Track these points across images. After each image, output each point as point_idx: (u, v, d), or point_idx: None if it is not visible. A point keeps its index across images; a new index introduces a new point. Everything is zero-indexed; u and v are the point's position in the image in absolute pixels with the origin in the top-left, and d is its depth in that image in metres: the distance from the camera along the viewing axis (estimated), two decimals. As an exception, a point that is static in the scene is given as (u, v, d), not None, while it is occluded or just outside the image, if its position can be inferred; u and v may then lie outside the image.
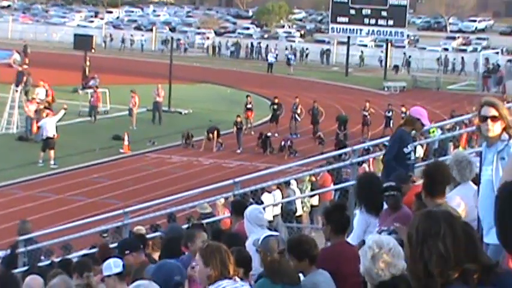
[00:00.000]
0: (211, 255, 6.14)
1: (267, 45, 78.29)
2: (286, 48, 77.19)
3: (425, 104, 51.69)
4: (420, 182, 8.56)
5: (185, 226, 12.32)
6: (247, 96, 41.84)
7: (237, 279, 6.46)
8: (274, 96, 42.00)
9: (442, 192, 7.36)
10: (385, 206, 8.46)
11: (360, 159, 15.49)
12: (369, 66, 75.50)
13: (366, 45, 79.50)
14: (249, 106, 40.15)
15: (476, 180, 7.83)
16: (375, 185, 8.81)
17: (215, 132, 35.27)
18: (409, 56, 72.83)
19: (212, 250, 6.18)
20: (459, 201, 7.26)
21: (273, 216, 19.07)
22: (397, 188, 8.37)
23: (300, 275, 7.03)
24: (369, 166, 22.60)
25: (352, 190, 13.23)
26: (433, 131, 27.01)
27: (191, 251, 8.54)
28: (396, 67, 71.35)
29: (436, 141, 26.91)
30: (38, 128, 32.95)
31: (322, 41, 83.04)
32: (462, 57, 72.63)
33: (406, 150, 10.21)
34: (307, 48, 79.88)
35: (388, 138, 22.42)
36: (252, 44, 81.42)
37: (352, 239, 8.45)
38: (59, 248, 15.32)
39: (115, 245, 13.10)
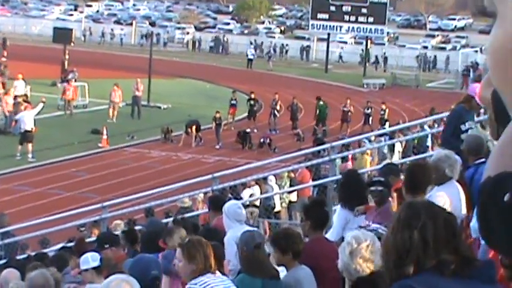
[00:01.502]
0: (195, 249, 6.12)
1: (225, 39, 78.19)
2: (251, 43, 77.31)
3: (404, 101, 52.00)
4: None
5: (164, 220, 12.32)
6: (233, 92, 41.77)
7: (218, 273, 6.47)
8: (250, 91, 41.94)
9: (423, 190, 7.41)
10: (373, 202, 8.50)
11: (339, 155, 15.53)
12: (349, 63, 75.72)
13: (345, 42, 79.68)
14: (233, 102, 40.13)
15: (461, 180, 7.86)
16: (358, 182, 8.85)
17: (193, 127, 35.18)
18: (384, 53, 72.96)
19: (195, 245, 6.16)
20: (443, 198, 7.29)
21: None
22: (384, 183, 8.39)
23: (280, 269, 7.04)
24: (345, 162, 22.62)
25: (330, 186, 13.29)
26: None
27: (169, 246, 8.56)
28: (376, 61, 71.55)
29: (415, 139, 27.01)
30: (16, 121, 32.75)
31: (302, 38, 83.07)
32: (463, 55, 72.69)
33: (463, 127, 10.02)
34: (287, 45, 79.96)
35: (366, 135, 22.51)
36: (221, 38, 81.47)
37: (331, 235, 8.48)
38: (36, 243, 15.26)
39: (92, 238, 13.08)
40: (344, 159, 21.93)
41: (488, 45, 2.30)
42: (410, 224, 3.13)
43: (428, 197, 6.96)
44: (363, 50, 71.56)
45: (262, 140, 35.14)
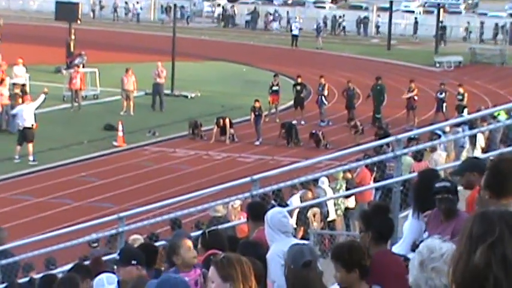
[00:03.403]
0: (231, 268, 6.13)
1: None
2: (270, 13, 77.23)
3: (486, 82, 51.63)
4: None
5: (194, 234, 12.39)
6: (274, 75, 41.79)
7: (259, 295, 6.50)
8: (296, 75, 41.94)
9: (511, 191, 7.29)
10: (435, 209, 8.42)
11: (406, 150, 15.47)
12: (417, 37, 75.31)
13: (412, 12, 79.33)
14: (275, 88, 40.10)
15: None
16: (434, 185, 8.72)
17: (226, 120, 35.22)
18: (441, 22, 72.51)
19: (231, 262, 6.18)
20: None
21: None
22: (453, 190, 8.31)
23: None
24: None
25: (396, 189, 13.25)
26: (498, 114, 26.83)
27: (179, 264, 8.65)
28: (443, 32, 70.66)
29: (501, 129, 26.80)
30: (13, 116, 33.06)
31: (359, 7, 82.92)
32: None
33: None
34: (340, 16, 79.81)
35: (439, 125, 22.37)
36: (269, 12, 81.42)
37: (400, 248, 8.46)
38: (40, 263, 15.42)
39: (111, 256, 13.20)
40: (417, 157, 21.84)
41: None
42: (485, 240, 3.06)
43: None
44: (415, 23, 71.10)
45: (314, 131, 35.15)
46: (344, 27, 77.92)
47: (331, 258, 6.99)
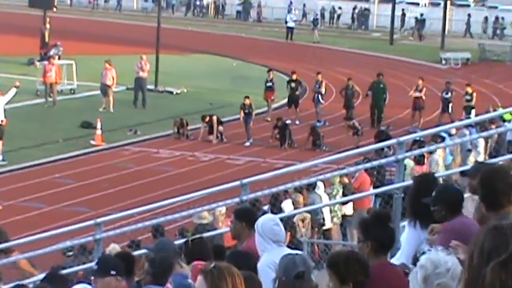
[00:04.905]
0: (221, 280, 6.10)
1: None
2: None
3: (496, 81, 51.69)
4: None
5: (178, 242, 12.35)
6: (268, 70, 41.81)
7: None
8: (291, 71, 41.95)
9: (507, 202, 7.32)
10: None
11: (408, 154, 15.47)
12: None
13: (417, 4, 79.49)
14: (269, 84, 40.15)
15: None
16: (432, 191, 8.74)
17: (214, 118, 35.21)
18: (422, 15, 72.79)
19: (222, 273, 6.14)
20: None
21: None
22: (440, 200, 8.30)
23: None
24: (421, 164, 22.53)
25: (397, 195, 13.25)
26: (509, 118, 26.88)
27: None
28: (420, 27, 70.79)
29: (509, 132, 26.85)
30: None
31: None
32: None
33: None
34: (339, 8, 79.89)
35: (445, 127, 22.38)
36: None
37: (399, 260, 8.46)
38: (9, 273, 15.36)
39: (83, 266, 13.14)
40: (419, 161, 21.85)
41: None
42: (498, 255, 3.06)
43: None
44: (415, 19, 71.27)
45: (314, 126, 35.42)
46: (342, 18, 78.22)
47: (327, 266, 6.96)
